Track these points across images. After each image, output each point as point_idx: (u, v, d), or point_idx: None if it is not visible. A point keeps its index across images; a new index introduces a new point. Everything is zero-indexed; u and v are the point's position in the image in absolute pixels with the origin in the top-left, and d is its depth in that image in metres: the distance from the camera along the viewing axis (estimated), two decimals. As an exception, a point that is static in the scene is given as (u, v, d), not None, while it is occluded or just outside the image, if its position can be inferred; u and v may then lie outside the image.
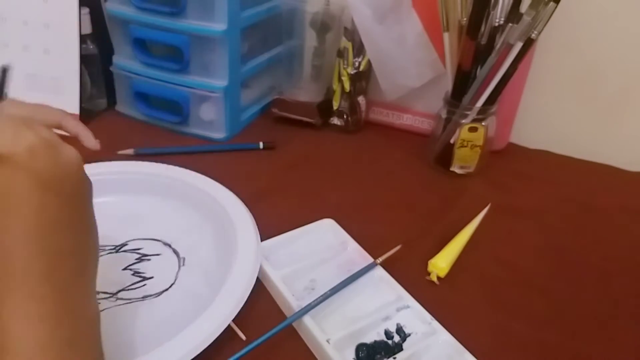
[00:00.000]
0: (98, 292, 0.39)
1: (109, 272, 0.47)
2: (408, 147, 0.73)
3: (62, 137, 0.33)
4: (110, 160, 0.60)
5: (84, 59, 0.70)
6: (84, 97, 0.72)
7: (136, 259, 0.49)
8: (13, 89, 0.43)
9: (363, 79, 0.74)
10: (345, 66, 0.73)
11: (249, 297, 0.46)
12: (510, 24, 0.58)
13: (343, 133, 0.77)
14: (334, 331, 0.41)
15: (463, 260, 0.52)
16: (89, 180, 0.35)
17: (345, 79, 0.73)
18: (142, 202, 0.57)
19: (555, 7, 0.55)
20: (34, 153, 0.31)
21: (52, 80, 0.70)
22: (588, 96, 0.73)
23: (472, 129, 0.64)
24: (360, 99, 0.75)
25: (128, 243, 0.51)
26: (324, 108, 0.76)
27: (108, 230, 0.43)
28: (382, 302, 0.45)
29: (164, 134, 0.72)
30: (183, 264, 0.49)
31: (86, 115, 0.71)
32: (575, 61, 0.71)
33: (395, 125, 0.79)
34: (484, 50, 0.61)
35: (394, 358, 0.40)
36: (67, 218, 0.33)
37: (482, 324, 0.45)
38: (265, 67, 0.78)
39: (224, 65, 0.67)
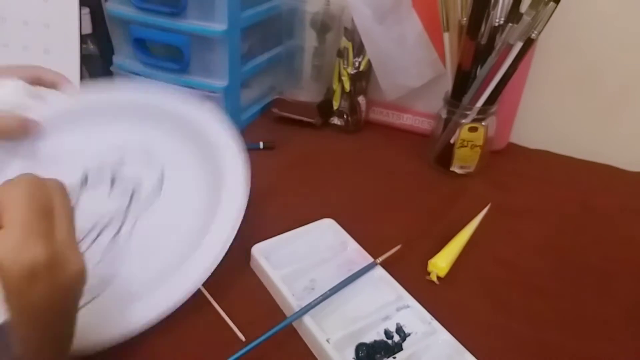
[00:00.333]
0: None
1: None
2: (408, 147, 0.73)
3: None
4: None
5: (84, 59, 0.70)
6: (84, 97, 0.72)
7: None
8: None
9: (363, 79, 0.74)
10: (345, 66, 0.73)
11: (248, 296, 0.46)
12: (510, 24, 0.58)
13: (343, 133, 0.77)
14: (333, 331, 0.41)
15: (463, 260, 0.52)
16: (83, 282, 0.31)
17: (345, 79, 0.73)
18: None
19: (555, 7, 0.55)
20: (34, 277, 0.27)
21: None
22: (588, 96, 0.73)
23: (472, 129, 0.64)
24: (360, 99, 0.75)
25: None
26: (324, 108, 0.76)
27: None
28: (382, 302, 0.45)
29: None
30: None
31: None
32: (575, 61, 0.71)
33: (395, 125, 0.79)
34: (484, 50, 0.61)
35: (394, 358, 0.40)
36: (57, 335, 0.31)
37: (482, 323, 0.45)
38: (265, 67, 0.78)
39: (224, 65, 0.67)
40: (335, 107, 0.76)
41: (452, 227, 0.55)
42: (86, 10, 0.69)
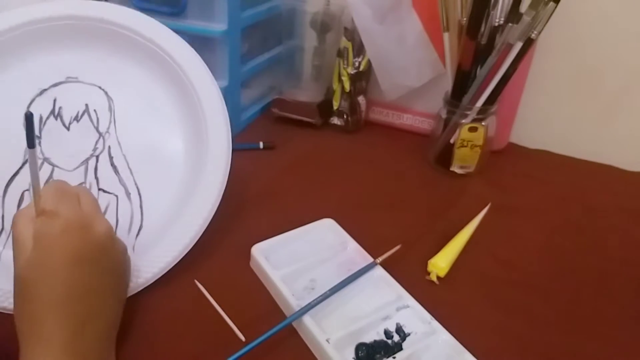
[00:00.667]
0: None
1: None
2: (408, 147, 0.73)
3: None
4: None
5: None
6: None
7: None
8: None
9: (363, 79, 0.74)
10: (345, 66, 0.73)
11: (248, 296, 0.46)
12: (510, 24, 0.58)
13: (343, 133, 0.77)
14: (333, 331, 0.41)
15: (463, 260, 0.52)
16: (122, 250, 0.41)
17: (345, 78, 0.73)
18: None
19: (555, 7, 0.55)
20: (67, 233, 0.36)
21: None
22: (588, 96, 0.73)
23: (472, 129, 0.64)
24: (360, 99, 0.75)
25: None
26: (324, 108, 0.76)
27: None
28: (382, 302, 0.45)
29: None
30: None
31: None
32: (575, 61, 0.71)
33: (395, 125, 0.79)
34: (484, 50, 0.61)
35: (394, 358, 0.40)
36: (93, 287, 0.37)
37: (482, 323, 0.45)
38: (265, 67, 0.78)
39: (224, 65, 0.67)
40: (335, 107, 0.76)
41: (452, 227, 0.55)
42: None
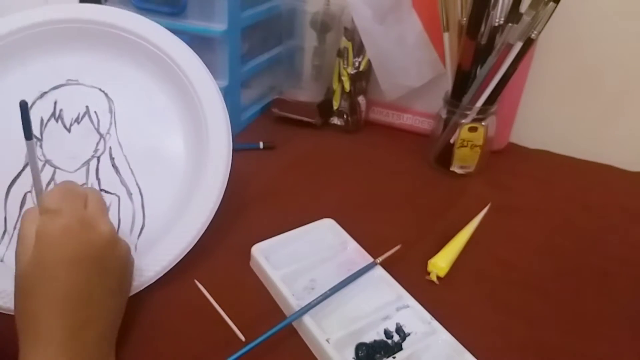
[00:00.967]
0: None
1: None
2: (408, 147, 0.73)
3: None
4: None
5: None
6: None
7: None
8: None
9: (363, 79, 0.74)
10: (345, 66, 0.73)
11: (248, 296, 0.46)
12: (510, 24, 0.58)
13: (343, 133, 0.77)
14: (333, 331, 0.41)
15: (463, 260, 0.52)
16: (125, 252, 0.41)
17: (345, 78, 0.73)
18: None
19: (555, 7, 0.55)
20: (68, 232, 0.36)
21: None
22: (588, 96, 0.73)
23: (472, 129, 0.64)
24: (360, 99, 0.75)
25: None
26: (324, 108, 0.76)
27: None
28: (382, 302, 0.45)
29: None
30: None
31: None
32: (575, 61, 0.71)
33: (395, 125, 0.79)
34: (484, 50, 0.61)
35: (394, 357, 0.40)
36: (93, 288, 0.37)
37: (482, 323, 0.45)
38: (265, 67, 0.78)
39: (224, 65, 0.67)
40: (335, 107, 0.76)
41: (452, 227, 0.55)
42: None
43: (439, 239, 0.54)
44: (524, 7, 0.57)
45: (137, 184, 0.50)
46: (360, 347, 0.41)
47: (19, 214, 0.47)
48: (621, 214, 0.62)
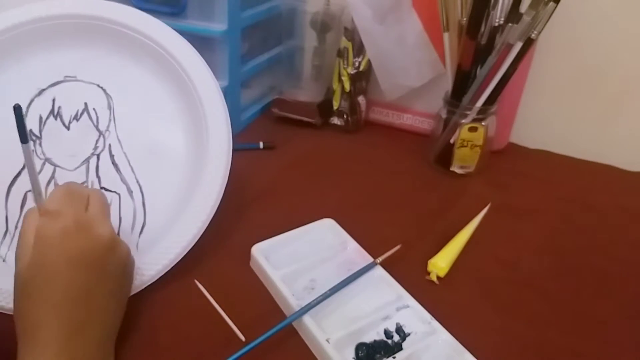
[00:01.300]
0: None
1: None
2: (408, 147, 0.73)
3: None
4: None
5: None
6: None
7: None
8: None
9: (363, 79, 0.74)
10: (345, 66, 0.73)
11: (248, 296, 0.46)
12: (510, 24, 0.58)
13: (343, 133, 0.77)
14: (333, 331, 0.41)
15: (463, 260, 0.52)
16: (125, 254, 0.40)
17: (345, 78, 0.73)
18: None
19: (555, 7, 0.55)
20: (66, 234, 0.36)
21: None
22: (588, 96, 0.73)
23: (472, 129, 0.64)
24: (360, 99, 0.75)
25: None
26: (324, 108, 0.76)
27: None
28: (382, 302, 0.45)
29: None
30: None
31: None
32: (575, 61, 0.71)
33: (395, 125, 0.79)
34: (484, 50, 0.61)
35: (394, 357, 0.40)
36: (92, 290, 0.37)
37: (482, 323, 0.45)
38: (265, 67, 0.78)
39: (224, 65, 0.67)
40: (335, 107, 0.76)
41: (452, 227, 0.55)
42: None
43: (439, 239, 0.54)
44: (524, 7, 0.57)
45: (137, 182, 0.50)
46: (360, 347, 0.41)
47: (20, 213, 0.47)
48: (621, 214, 0.62)
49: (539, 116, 0.76)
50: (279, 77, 0.81)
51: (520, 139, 0.77)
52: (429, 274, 0.50)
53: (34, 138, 0.49)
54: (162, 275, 0.46)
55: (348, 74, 0.73)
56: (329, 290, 0.44)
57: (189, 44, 0.53)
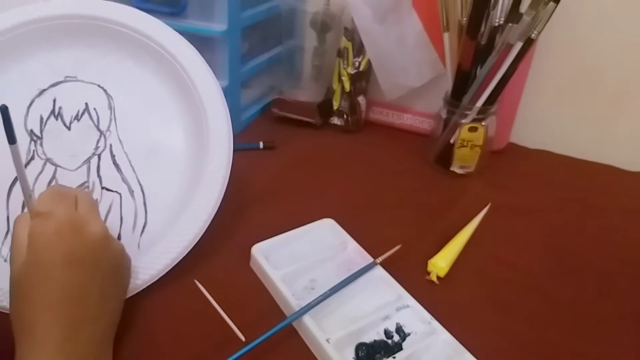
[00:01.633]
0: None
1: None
2: (408, 147, 0.73)
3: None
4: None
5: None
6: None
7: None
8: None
9: (363, 79, 0.74)
10: (345, 66, 0.73)
11: (248, 296, 0.46)
12: (510, 24, 0.58)
13: (343, 133, 0.77)
14: (333, 331, 0.41)
15: (463, 260, 0.52)
16: (119, 251, 0.41)
17: (345, 78, 0.73)
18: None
19: (555, 7, 0.55)
20: (60, 233, 0.36)
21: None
22: (588, 96, 0.73)
23: (472, 129, 0.64)
24: (360, 99, 0.75)
25: None
26: (324, 108, 0.76)
27: None
28: (382, 302, 0.45)
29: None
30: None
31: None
32: (575, 61, 0.71)
33: (395, 125, 0.79)
34: (484, 50, 0.61)
35: (394, 357, 0.40)
36: (88, 289, 0.37)
37: (482, 323, 0.45)
38: (265, 67, 0.78)
39: (224, 65, 0.67)
40: (335, 107, 0.76)
41: (452, 227, 0.55)
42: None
43: (439, 239, 0.54)
44: (524, 7, 0.57)
45: (138, 181, 0.50)
46: (360, 347, 0.41)
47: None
48: (621, 214, 0.62)
49: (539, 116, 0.76)
50: (279, 77, 0.81)
51: (520, 139, 0.77)
52: (429, 274, 0.50)
53: (35, 138, 0.49)
54: (162, 275, 0.46)
55: (348, 74, 0.73)
56: (329, 290, 0.44)
57: (189, 43, 0.53)
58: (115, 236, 0.45)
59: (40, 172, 0.49)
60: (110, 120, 0.52)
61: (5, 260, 0.45)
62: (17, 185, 0.48)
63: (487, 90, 0.61)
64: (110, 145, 0.51)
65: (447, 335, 0.42)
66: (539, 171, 0.71)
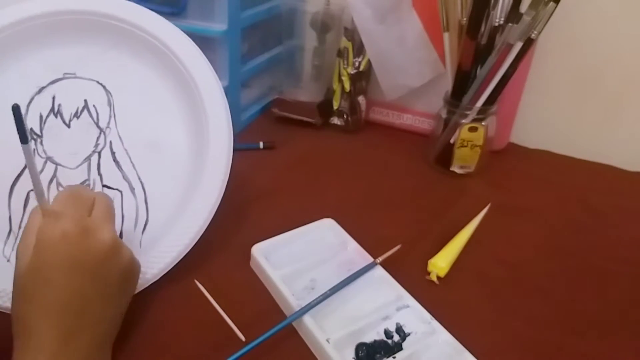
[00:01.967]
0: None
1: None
2: (408, 147, 0.73)
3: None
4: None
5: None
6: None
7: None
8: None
9: (363, 79, 0.74)
10: (345, 66, 0.73)
11: (248, 296, 0.46)
12: (510, 24, 0.58)
13: (343, 133, 0.77)
14: (333, 330, 0.41)
15: (463, 260, 0.52)
16: (127, 260, 0.39)
17: (345, 78, 0.73)
18: None
19: (555, 7, 0.55)
20: (66, 237, 0.35)
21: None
22: (588, 96, 0.73)
23: (472, 129, 0.64)
24: (360, 99, 0.75)
25: None
26: (324, 108, 0.76)
27: None
28: (382, 302, 0.45)
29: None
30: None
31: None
32: (575, 61, 0.71)
33: (395, 125, 0.79)
34: (484, 50, 0.61)
35: (394, 357, 0.40)
36: (90, 296, 0.36)
37: (482, 323, 0.45)
38: (265, 67, 0.78)
39: (224, 65, 0.67)
40: (335, 107, 0.76)
41: (452, 227, 0.55)
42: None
43: (439, 239, 0.54)
44: (524, 7, 0.57)
45: (139, 179, 0.50)
46: (360, 347, 0.41)
47: (23, 213, 0.47)
48: (621, 214, 0.62)
49: (539, 116, 0.76)
50: (279, 77, 0.81)
51: (520, 139, 0.77)
52: (429, 274, 0.50)
53: (35, 137, 0.49)
54: (162, 275, 0.46)
55: (348, 74, 0.73)
56: (329, 290, 0.44)
57: (189, 39, 0.53)
58: (117, 234, 0.45)
59: (41, 171, 0.49)
60: (110, 117, 0.51)
61: (9, 261, 0.45)
62: (18, 184, 0.48)
63: (487, 90, 0.61)
64: (110, 142, 0.51)
65: (447, 335, 0.42)
66: (539, 171, 0.71)
